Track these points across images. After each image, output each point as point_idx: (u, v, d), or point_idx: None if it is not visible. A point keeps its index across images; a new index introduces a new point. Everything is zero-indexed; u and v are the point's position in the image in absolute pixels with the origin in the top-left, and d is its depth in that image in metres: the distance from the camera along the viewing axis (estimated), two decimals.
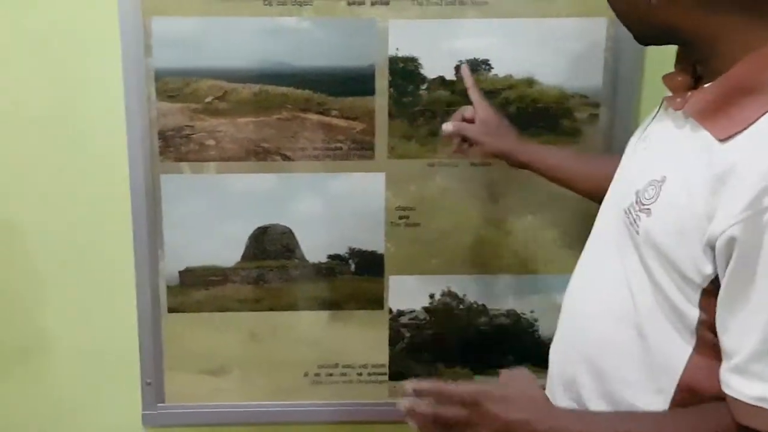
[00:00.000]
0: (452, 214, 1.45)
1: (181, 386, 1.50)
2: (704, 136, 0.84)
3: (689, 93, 0.88)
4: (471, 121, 1.30)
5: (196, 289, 1.47)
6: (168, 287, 1.47)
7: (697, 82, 0.91)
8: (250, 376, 1.51)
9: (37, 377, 1.52)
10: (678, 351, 0.88)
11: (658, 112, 0.98)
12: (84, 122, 1.42)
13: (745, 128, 0.80)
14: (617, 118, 1.40)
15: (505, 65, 1.39)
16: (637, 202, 0.90)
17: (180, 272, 1.46)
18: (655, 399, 0.90)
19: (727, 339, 0.82)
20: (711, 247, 0.81)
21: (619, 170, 1.03)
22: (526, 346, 1.49)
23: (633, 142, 1.03)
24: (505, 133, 1.29)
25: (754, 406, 0.79)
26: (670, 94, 0.93)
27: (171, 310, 1.47)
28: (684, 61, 0.94)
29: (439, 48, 1.38)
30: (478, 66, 1.39)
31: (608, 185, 1.05)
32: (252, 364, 1.50)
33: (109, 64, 1.38)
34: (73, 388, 1.53)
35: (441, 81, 1.39)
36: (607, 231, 1.00)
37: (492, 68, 1.39)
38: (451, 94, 1.39)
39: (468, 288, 1.48)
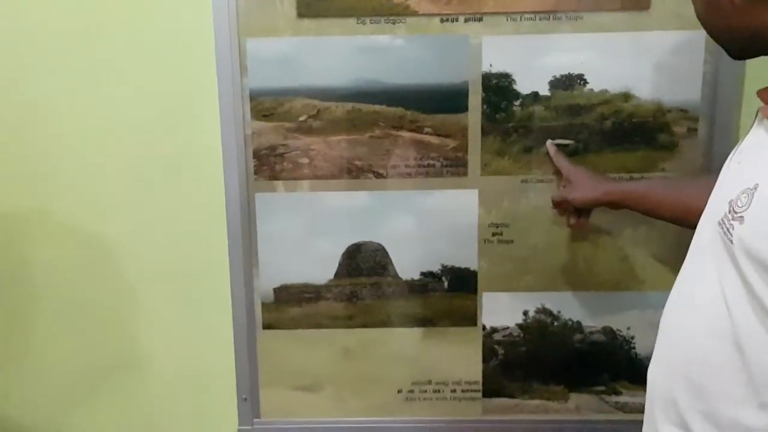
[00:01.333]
0: (546, 231, 1.43)
1: (276, 402, 1.52)
2: None
3: None
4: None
5: (290, 306, 1.48)
6: (263, 304, 1.48)
7: None
8: (344, 392, 1.51)
9: (133, 394, 1.56)
10: None
11: (752, 126, 0.97)
12: (179, 142, 1.44)
13: None
14: (716, 132, 1.37)
15: (601, 80, 1.37)
16: (730, 212, 0.89)
17: (275, 289, 1.47)
18: (760, 415, 0.88)
19: None
20: None
21: (714, 188, 1.01)
22: (621, 364, 1.47)
23: (729, 158, 1.01)
24: (590, 184, 1.33)
25: None
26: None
27: (266, 326, 1.49)
28: None
29: (532, 64, 1.37)
30: (573, 81, 1.37)
31: (695, 209, 1.05)
32: (345, 380, 1.51)
33: (204, 84, 1.40)
34: (170, 405, 1.55)
35: (534, 97, 1.38)
36: (702, 246, 0.98)
37: (587, 83, 1.37)
38: (545, 109, 1.38)
39: (562, 305, 1.46)
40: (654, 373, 1.06)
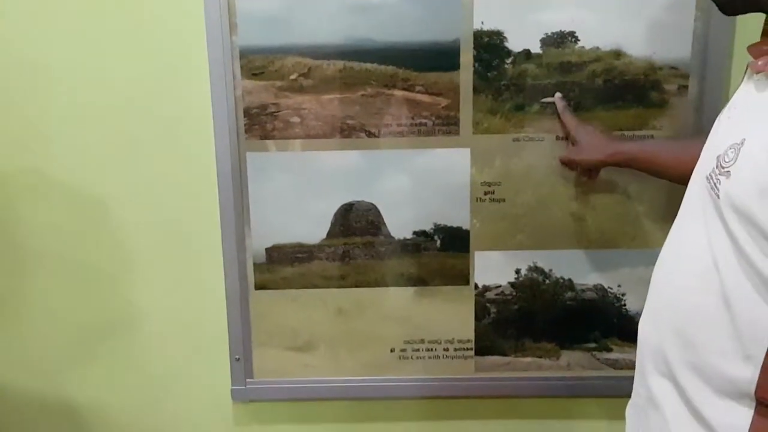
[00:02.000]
0: (538, 189, 1.43)
1: (269, 362, 1.52)
2: None
3: None
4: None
5: (282, 266, 1.48)
6: (255, 264, 1.48)
7: None
8: (337, 351, 1.52)
9: (127, 354, 1.55)
10: (764, 316, 0.87)
11: (742, 81, 0.98)
12: (170, 101, 1.43)
13: None
14: (707, 88, 1.38)
15: (592, 37, 1.37)
16: (717, 167, 0.90)
17: (267, 249, 1.47)
18: (745, 366, 0.89)
19: None
20: None
21: (706, 143, 1.02)
22: (612, 321, 1.48)
23: (720, 114, 1.02)
24: (597, 145, 1.34)
25: None
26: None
27: (258, 287, 1.49)
28: None
29: (524, 21, 1.37)
30: (564, 38, 1.37)
31: None
32: (338, 340, 1.51)
33: (193, 42, 1.39)
34: (164, 365, 1.55)
35: (526, 54, 1.38)
36: (692, 201, 1.00)
37: (578, 40, 1.37)
38: (537, 67, 1.38)
39: (554, 263, 1.47)
40: (644, 326, 1.07)
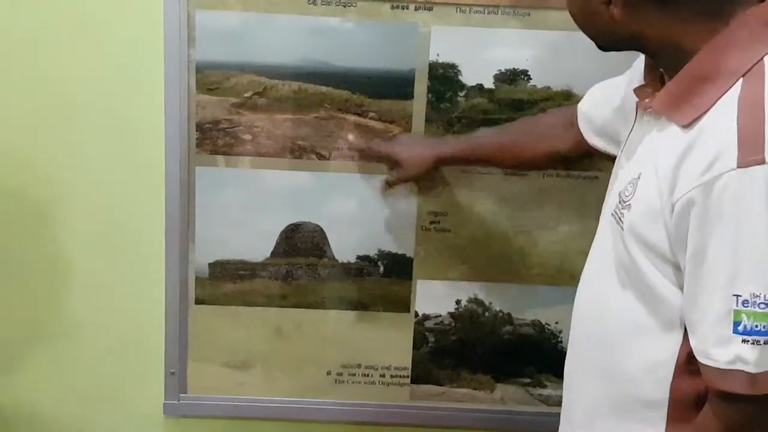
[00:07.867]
0: (483, 222, 1.45)
1: (204, 378, 1.51)
2: (672, 128, 0.90)
3: (656, 94, 0.94)
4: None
5: (224, 282, 1.47)
6: (197, 279, 1.47)
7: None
8: (273, 371, 1.51)
9: (62, 363, 1.53)
10: (664, 346, 0.95)
11: (634, 122, 1.03)
12: (123, 111, 1.42)
13: (705, 112, 0.86)
14: None
15: (544, 77, 1.40)
16: (620, 202, 0.97)
17: (210, 264, 1.47)
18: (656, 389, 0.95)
19: (692, 307, 0.88)
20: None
21: (609, 183, 1.07)
22: (548, 357, 1.49)
23: (618, 158, 1.08)
24: (418, 157, 1.37)
25: (729, 370, 0.84)
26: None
27: (199, 301, 1.48)
28: (652, 72, 0.99)
29: (479, 56, 1.39)
30: (517, 76, 1.40)
31: (519, 151, 1.31)
32: (276, 360, 1.51)
33: (151, 54, 1.39)
34: (98, 375, 1.53)
35: (479, 89, 1.40)
36: (602, 239, 1.05)
37: (531, 79, 1.40)
38: (489, 102, 1.40)
39: (494, 296, 1.48)
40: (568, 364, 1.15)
